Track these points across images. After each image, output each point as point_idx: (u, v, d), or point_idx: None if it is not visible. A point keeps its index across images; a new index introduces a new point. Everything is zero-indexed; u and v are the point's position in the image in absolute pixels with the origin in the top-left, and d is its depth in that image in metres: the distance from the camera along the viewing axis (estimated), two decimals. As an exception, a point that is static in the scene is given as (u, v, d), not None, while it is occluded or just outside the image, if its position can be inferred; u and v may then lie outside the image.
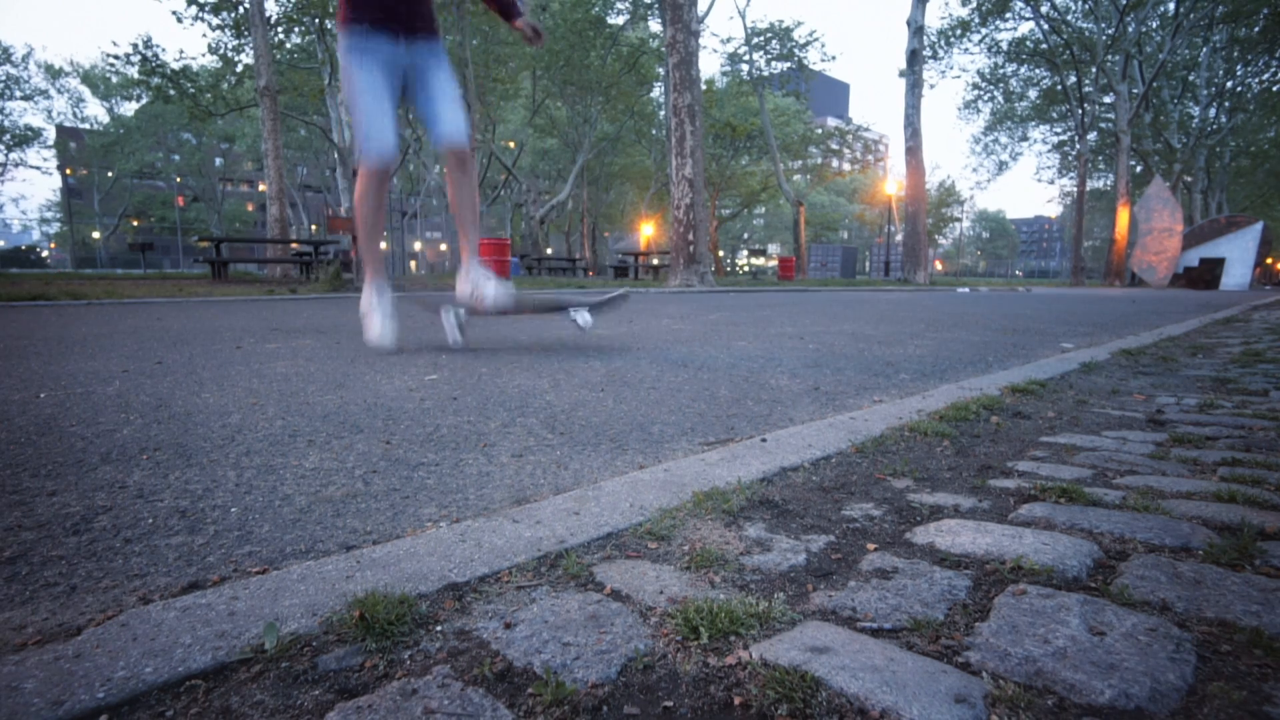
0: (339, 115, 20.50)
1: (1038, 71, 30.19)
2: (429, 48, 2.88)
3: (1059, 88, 28.30)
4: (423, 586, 0.78)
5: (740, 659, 0.63)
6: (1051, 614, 0.71)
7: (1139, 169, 32.73)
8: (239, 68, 17.76)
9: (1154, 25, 27.58)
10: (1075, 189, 28.91)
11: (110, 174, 48.79)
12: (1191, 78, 29.65)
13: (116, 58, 18.24)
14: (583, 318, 3.12)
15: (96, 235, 54.31)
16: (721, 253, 43.79)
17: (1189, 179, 32.40)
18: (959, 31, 27.45)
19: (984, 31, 27.71)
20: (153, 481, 1.22)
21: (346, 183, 21.61)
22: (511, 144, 29.48)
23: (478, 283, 2.98)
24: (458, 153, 2.88)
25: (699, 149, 12.19)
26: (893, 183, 29.32)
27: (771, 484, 1.19)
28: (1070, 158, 34.40)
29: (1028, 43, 28.07)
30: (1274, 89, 28.86)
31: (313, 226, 46.62)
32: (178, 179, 51.38)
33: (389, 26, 2.77)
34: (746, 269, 58.59)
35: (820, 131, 35.51)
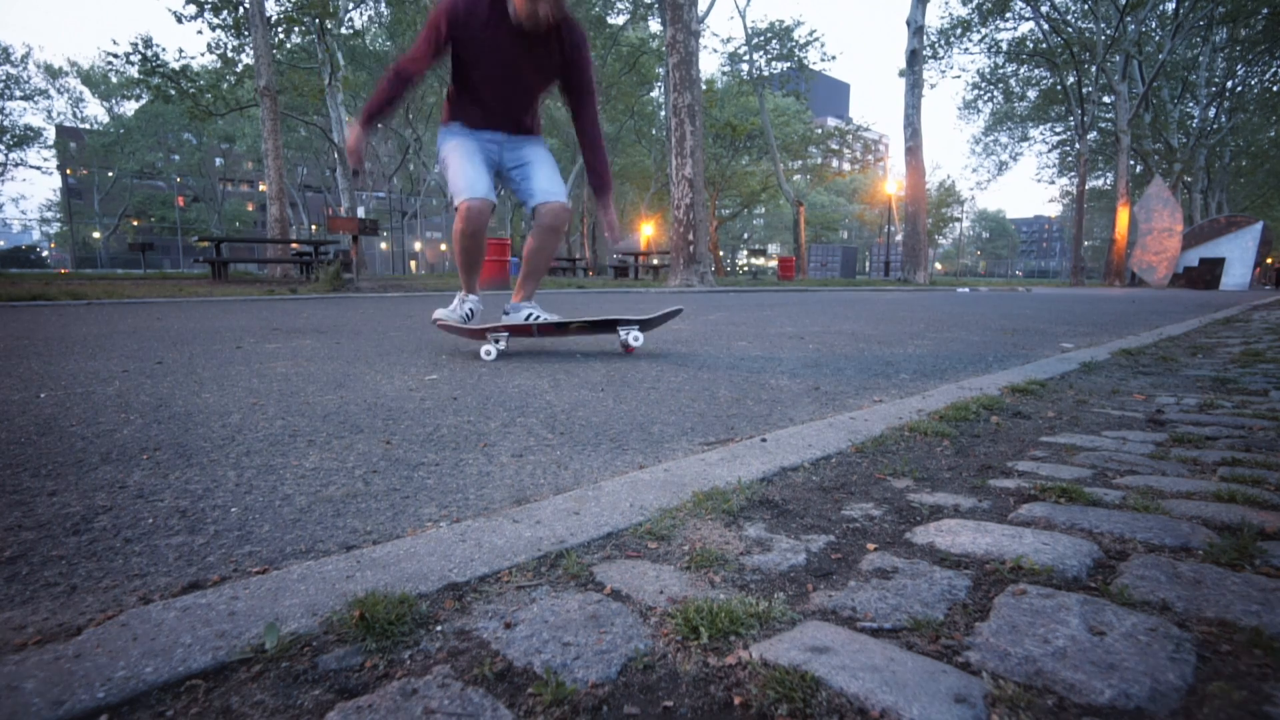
0: (339, 115, 20.50)
1: (1038, 71, 30.19)
2: (530, 142, 3.04)
3: (1059, 88, 28.30)
4: (423, 586, 0.78)
5: (740, 659, 0.63)
6: (1051, 614, 0.71)
7: (1139, 169, 32.73)
8: (239, 68, 17.75)
9: (1154, 25, 27.59)
10: (1075, 189, 28.90)
11: (110, 174, 48.80)
12: (1191, 78, 29.64)
13: (116, 57, 18.24)
14: (633, 335, 3.09)
15: (96, 235, 54.31)
16: (721, 253, 43.75)
17: (1189, 179, 32.39)
18: (959, 31, 27.44)
19: (984, 31, 27.71)
20: (153, 481, 1.22)
21: (346, 182, 21.62)
22: (511, 144, 29.44)
23: (527, 315, 3.13)
24: (556, 212, 2.95)
25: (699, 149, 12.20)
26: (893, 183, 29.32)
27: (771, 484, 1.19)
28: (1070, 158, 34.41)
29: (1028, 43, 28.07)
30: (1274, 89, 28.87)
31: (313, 226, 46.62)
32: (178, 179, 51.38)
33: (487, 124, 2.94)
34: (746, 269, 58.58)
35: (820, 131, 35.50)
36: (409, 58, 2.78)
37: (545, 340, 3.48)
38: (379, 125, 2.87)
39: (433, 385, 2.22)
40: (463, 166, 2.85)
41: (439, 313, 3.15)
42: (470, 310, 3.14)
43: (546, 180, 2.98)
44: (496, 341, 2.93)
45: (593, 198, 3.13)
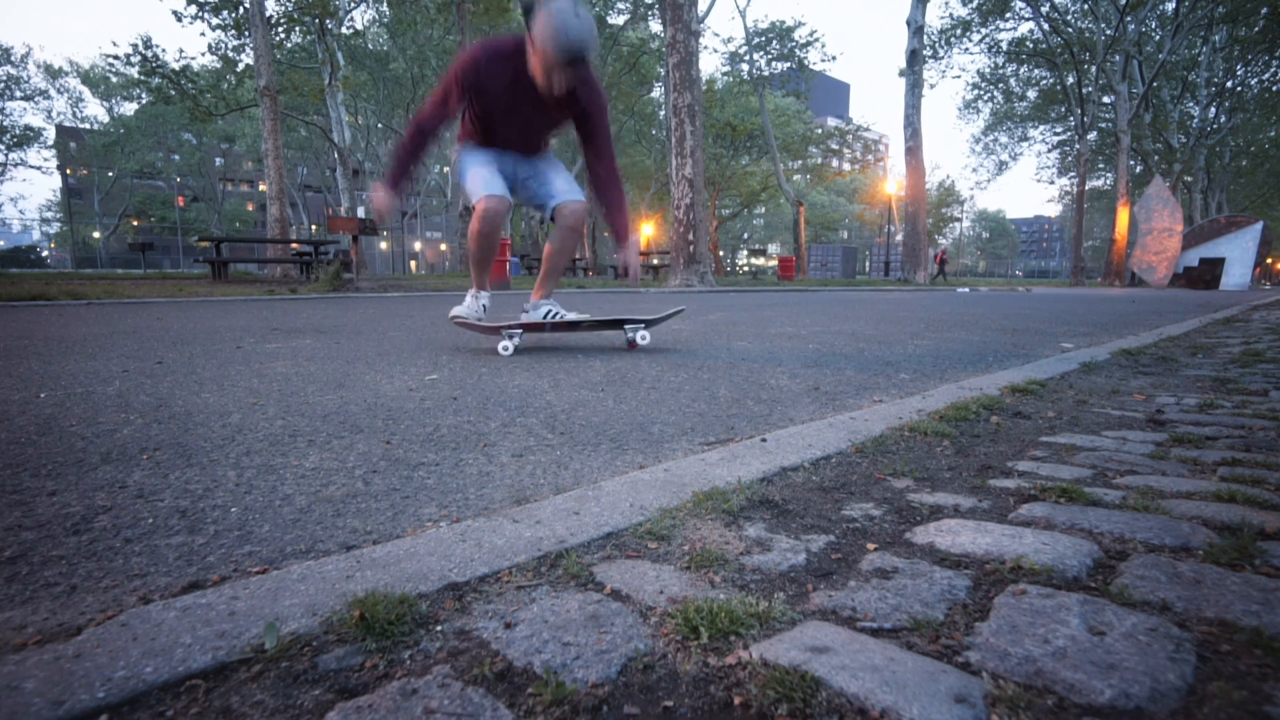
0: (339, 115, 20.50)
1: (1038, 71, 30.20)
2: (541, 158, 3.10)
3: (1059, 88, 28.31)
4: (423, 586, 0.78)
5: (740, 659, 0.63)
6: (1051, 614, 0.71)
7: (1139, 169, 32.73)
8: (239, 68, 17.75)
9: (1154, 25, 27.59)
10: (1075, 189, 28.90)
11: (110, 174, 48.78)
12: (1191, 78, 29.65)
13: (116, 58, 18.25)
14: (640, 335, 3.19)
15: (96, 235, 54.30)
16: (721, 253, 43.75)
17: (1189, 179, 32.40)
18: (959, 31, 27.45)
19: (984, 31, 27.72)
20: (153, 481, 1.22)
21: (346, 182, 21.62)
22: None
23: (546, 312, 3.21)
24: (577, 212, 3.02)
25: (699, 149, 12.20)
26: (893, 183, 29.33)
27: (771, 484, 1.19)
28: (1070, 158, 34.40)
29: (1028, 43, 28.08)
30: (1274, 89, 28.86)
31: (313, 226, 46.64)
32: (178, 179, 51.38)
33: (505, 147, 3.00)
34: (746, 269, 58.58)
35: (820, 131, 35.50)
36: (426, 113, 2.82)
37: (545, 340, 3.49)
38: (408, 184, 2.90)
39: (433, 385, 2.22)
40: (479, 171, 2.92)
41: (456, 310, 3.21)
42: (483, 306, 3.21)
43: (564, 182, 3.05)
44: (512, 337, 3.00)
45: (592, 198, 3.13)
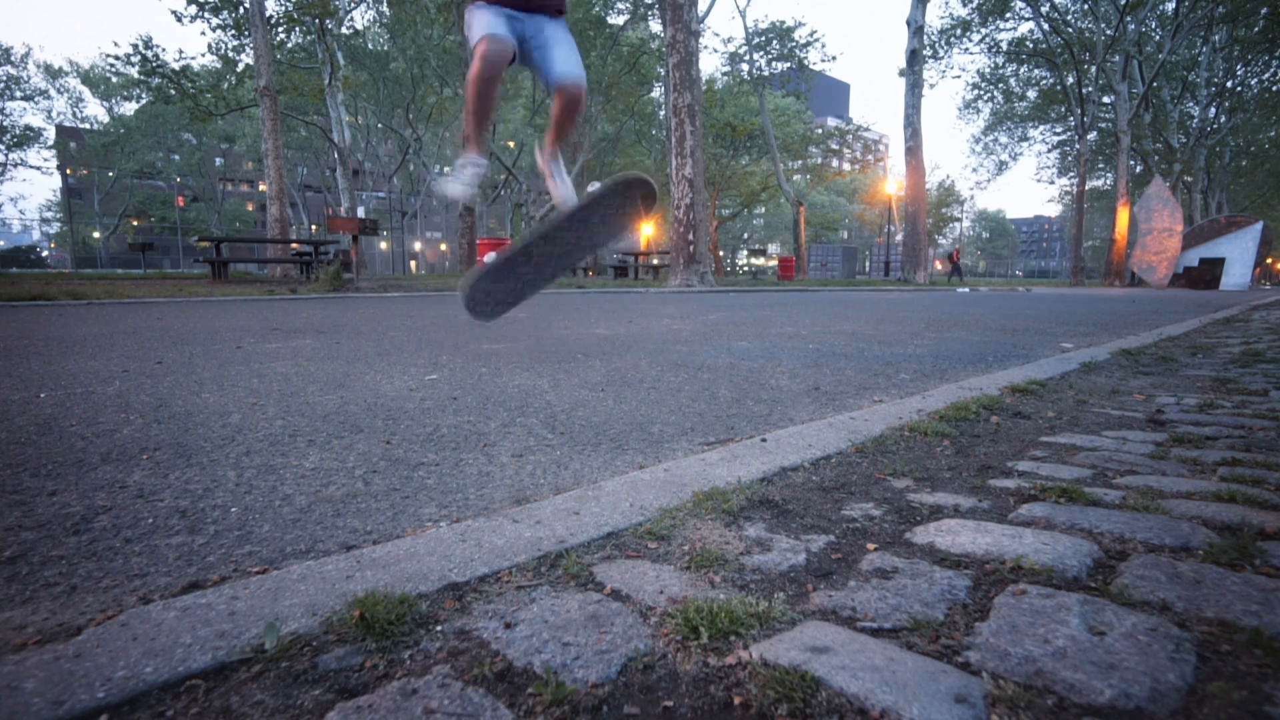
0: (339, 115, 20.49)
1: (1038, 71, 30.19)
2: (552, 22, 3.04)
3: (1059, 88, 28.30)
4: (423, 586, 0.78)
5: (740, 659, 0.63)
6: (1051, 614, 0.71)
7: (1139, 169, 32.73)
8: (239, 68, 17.75)
9: (1154, 25, 27.59)
10: (1075, 189, 28.91)
11: (110, 174, 48.77)
12: (1191, 78, 29.64)
13: (116, 58, 18.25)
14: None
15: (96, 235, 54.30)
16: (721, 253, 43.75)
17: (1189, 179, 32.39)
18: (959, 31, 27.44)
19: (984, 31, 27.71)
20: (153, 481, 1.22)
21: (346, 182, 21.62)
22: (511, 144, 29.47)
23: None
24: (573, 93, 2.98)
25: (699, 149, 12.19)
26: (893, 183, 29.32)
27: (771, 484, 1.19)
28: (1070, 158, 34.41)
29: (1028, 43, 28.07)
30: (1274, 89, 28.86)
31: (313, 226, 46.62)
32: (178, 179, 51.36)
33: (514, 5, 2.96)
34: (746, 269, 58.56)
35: (820, 131, 35.49)
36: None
37: (546, 341, 3.48)
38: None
39: (433, 385, 2.22)
40: (483, 17, 2.89)
41: (449, 188, 3.13)
42: (474, 173, 3.11)
43: (566, 58, 3.02)
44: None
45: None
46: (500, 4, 2.97)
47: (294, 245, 14.44)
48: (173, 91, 17.86)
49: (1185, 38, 25.45)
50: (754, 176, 33.16)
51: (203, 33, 19.73)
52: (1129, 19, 23.66)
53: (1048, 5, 25.40)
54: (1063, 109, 30.93)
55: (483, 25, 2.86)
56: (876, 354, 3.21)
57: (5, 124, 38.39)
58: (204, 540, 0.97)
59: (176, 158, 48.80)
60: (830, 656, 0.63)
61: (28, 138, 39.84)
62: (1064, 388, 2.20)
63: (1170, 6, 25.76)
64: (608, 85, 24.25)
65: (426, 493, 1.19)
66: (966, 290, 15.62)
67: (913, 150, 19.46)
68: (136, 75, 18.37)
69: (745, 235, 63.12)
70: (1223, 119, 30.28)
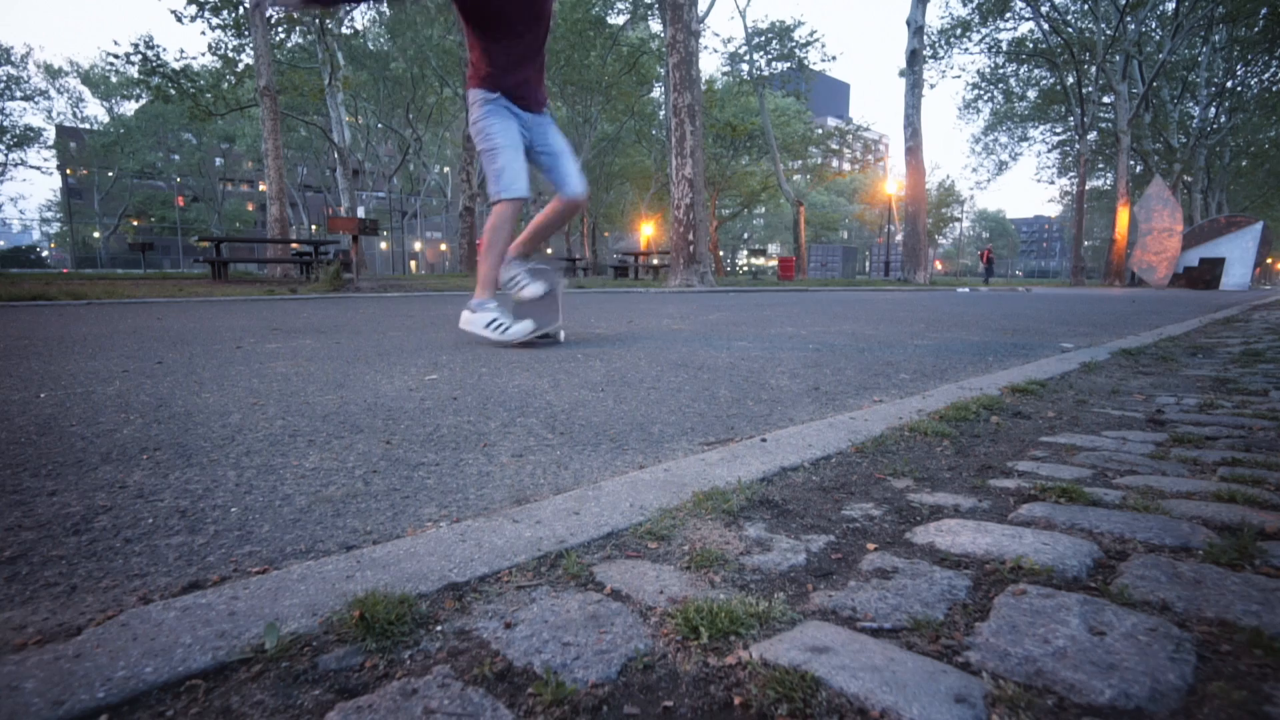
0: (339, 115, 20.50)
1: (1038, 71, 30.19)
2: (543, 119, 3.36)
3: (1059, 88, 28.30)
4: (423, 586, 0.78)
5: (740, 659, 0.63)
6: (1051, 614, 0.71)
7: (1139, 169, 32.72)
8: (239, 68, 17.76)
9: (1154, 25, 27.59)
10: (1075, 189, 28.90)
11: (110, 174, 48.79)
12: (1191, 78, 29.64)
13: (117, 57, 18.27)
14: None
15: (96, 235, 54.31)
16: (721, 253, 43.75)
17: (1189, 179, 32.39)
18: (959, 31, 27.46)
19: (984, 31, 27.72)
20: (153, 481, 1.22)
21: (346, 183, 21.62)
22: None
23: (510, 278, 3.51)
24: (580, 204, 3.42)
25: (699, 149, 12.19)
26: (893, 183, 29.33)
27: (771, 484, 1.19)
28: (1070, 158, 34.40)
29: (1028, 43, 28.08)
30: (1274, 89, 28.85)
31: (313, 226, 46.62)
32: (178, 179, 51.36)
33: (518, 103, 3.23)
34: (746, 269, 58.57)
35: (820, 131, 35.50)
36: None
37: (546, 340, 3.47)
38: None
39: (433, 385, 2.22)
40: (508, 155, 3.13)
41: (483, 331, 3.30)
42: (502, 326, 3.29)
43: (573, 172, 3.37)
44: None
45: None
46: (503, 94, 3.17)
47: (294, 245, 14.45)
48: (173, 91, 17.87)
49: (1185, 38, 25.45)
50: (754, 176, 33.17)
51: (203, 32, 19.75)
52: (1129, 19, 23.66)
53: (1048, 5, 25.40)
54: (1063, 109, 30.94)
55: (507, 173, 3.11)
56: (876, 354, 3.21)
57: (5, 124, 38.39)
58: (204, 540, 0.97)
59: (176, 158, 48.81)
60: (830, 656, 0.63)
61: (28, 138, 39.85)
62: (1064, 388, 2.20)
63: (1170, 6, 25.77)
64: (608, 85, 24.23)
65: (426, 493, 1.19)
66: (966, 290, 15.62)
67: (913, 150, 19.46)
68: (136, 75, 18.39)
69: (745, 235, 63.11)
70: (1223, 119, 30.28)
